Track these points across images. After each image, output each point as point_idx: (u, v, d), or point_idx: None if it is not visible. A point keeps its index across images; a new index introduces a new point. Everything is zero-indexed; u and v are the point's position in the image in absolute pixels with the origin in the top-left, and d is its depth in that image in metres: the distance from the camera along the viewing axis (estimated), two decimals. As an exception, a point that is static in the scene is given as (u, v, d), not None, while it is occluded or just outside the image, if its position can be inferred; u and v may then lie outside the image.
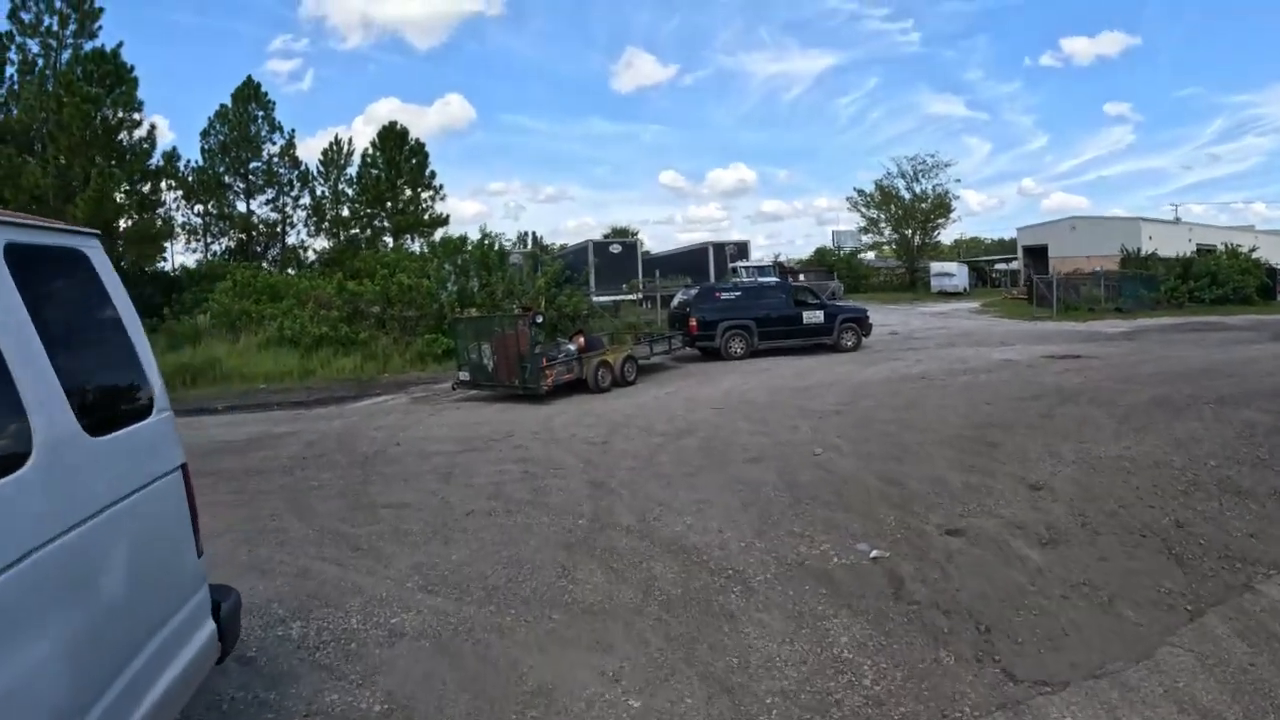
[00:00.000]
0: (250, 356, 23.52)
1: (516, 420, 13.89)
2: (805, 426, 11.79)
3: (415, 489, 9.22)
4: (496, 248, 24.82)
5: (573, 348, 17.69)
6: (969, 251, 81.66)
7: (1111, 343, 23.69)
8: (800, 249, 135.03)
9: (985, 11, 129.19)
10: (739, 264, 40.83)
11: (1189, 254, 49.46)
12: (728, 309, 22.34)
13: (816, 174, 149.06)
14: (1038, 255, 69.99)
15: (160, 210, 36.29)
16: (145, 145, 33.20)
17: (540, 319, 16.23)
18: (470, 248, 24.78)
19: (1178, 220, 66.29)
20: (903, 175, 66.93)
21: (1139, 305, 37.37)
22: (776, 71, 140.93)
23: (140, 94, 31.78)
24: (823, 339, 23.16)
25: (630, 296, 35.21)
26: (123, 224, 31.74)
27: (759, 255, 45.18)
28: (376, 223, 42.91)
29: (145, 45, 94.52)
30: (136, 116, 32.45)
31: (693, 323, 21.84)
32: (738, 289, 23.16)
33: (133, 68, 32.23)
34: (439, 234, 35.12)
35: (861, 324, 24.00)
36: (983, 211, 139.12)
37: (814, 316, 23.19)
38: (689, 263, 40.83)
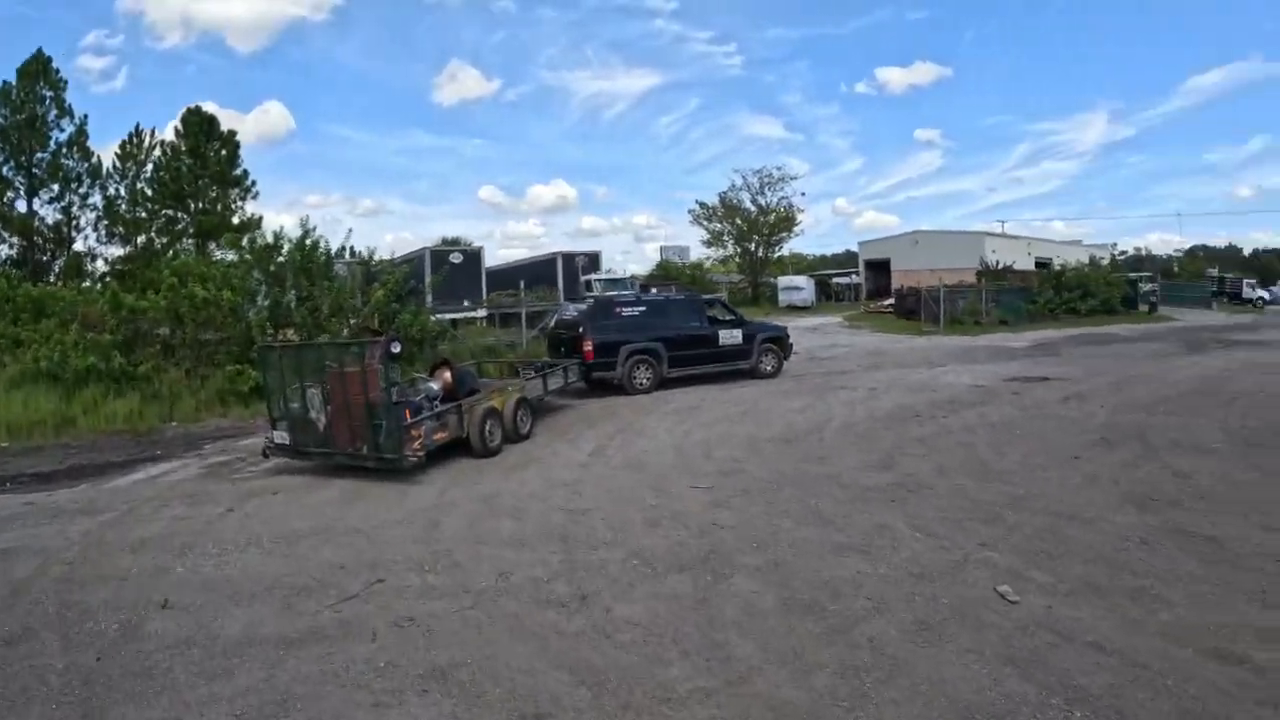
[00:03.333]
0: (-7, 398, 16.70)
1: (378, 528, 8.37)
2: (907, 530, 7.52)
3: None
4: (322, 249, 18.77)
5: (436, 387, 12.33)
6: (791, 266, 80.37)
7: (1040, 359, 22.64)
8: (619, 265, 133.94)
9: (806, 39, 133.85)
10: (591, 276, 36.61)
11: (1025, 267, 51.98)
12: (631, 329, 17.52)
13: (636, 191, 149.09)
14: (879, 269, 70.57)
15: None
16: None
17: (398, 347, 10.78)
18: (288, 248, 18.59)
19: (1002, 234, 67.23)
20: (748, 188, 64.11)
21: (1018, 318, 37.63)
22: (599, 89, 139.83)
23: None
24: (740, 364, 19.13)
25: (475, 314, 30.17)
26: None
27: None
28: (177, 226, 35.50)
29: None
30: None
31: (588, 346, 16.82)
32: (640, 303, 18.31)
33: None
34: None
35: (782, 345, 20.24)
36: (798, 228, 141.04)
37: (731, 337, 18.98)
38: (535, 274, 36.70)
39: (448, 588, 6.50)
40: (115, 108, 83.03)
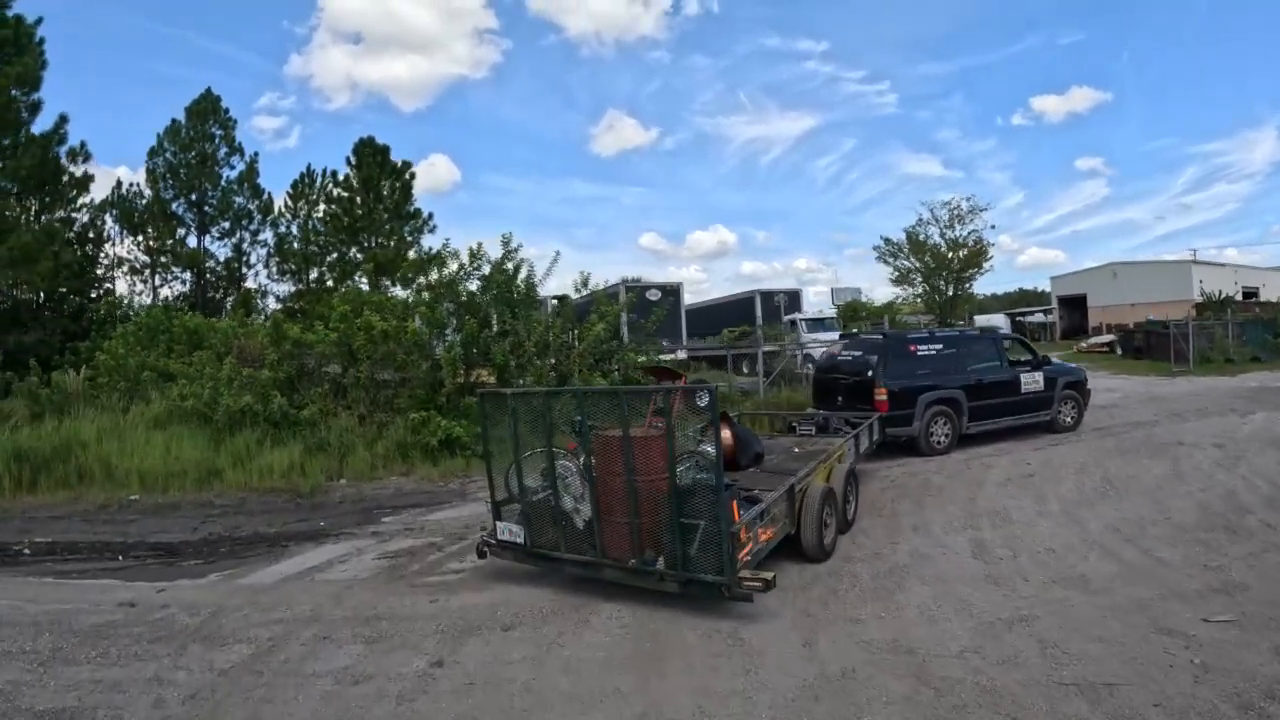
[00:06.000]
0: (134, 439, 14.04)
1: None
2: None
3: None
4: (525, 274, 15.34)
5: (711, 450, 8.35)
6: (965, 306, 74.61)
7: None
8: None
9: (958, 72, 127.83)
10: (795, 316, 32.56)
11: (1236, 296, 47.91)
12: (928, 374, 13.45)
13: (795, 235, 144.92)
14: (1073, 305, 65.07)
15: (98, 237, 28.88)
16: (53, 139, 24.24)
17: (707, 398, 6.74)
18: (489, 269, 15.10)
19: (1208, 262, 60.06)
20: (935, 221, 58.52)
21: (1267, 353, 32.54)
22: (755, 134, 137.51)
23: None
24: (1040, 415, 14.78)
25: (673, 356, 26.60)
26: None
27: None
28: (349, 261, 33.82)
29: (125, 102, 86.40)
30: (36, 98, 23.39)
31: (881, 396, 12.74)
32: (936, 341, 14.10)
33: (42, 40, 23.25)
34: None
35: (1082, 391, 15.74)
36: (989, 263, 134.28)
37: (1033, 381, 14.72)
38: (732, 314, 33.15)
39: None
40: (288, 164, 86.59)
